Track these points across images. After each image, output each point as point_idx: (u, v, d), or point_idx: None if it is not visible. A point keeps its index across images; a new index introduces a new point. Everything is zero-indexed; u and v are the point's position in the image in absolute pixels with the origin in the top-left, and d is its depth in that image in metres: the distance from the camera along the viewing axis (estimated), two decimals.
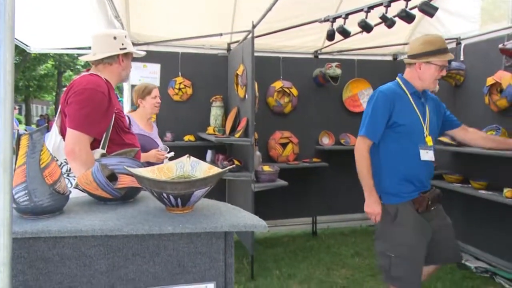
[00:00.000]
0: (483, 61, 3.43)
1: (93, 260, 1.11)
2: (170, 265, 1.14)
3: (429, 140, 2.16)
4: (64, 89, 2.00)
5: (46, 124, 1.26)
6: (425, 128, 2.15)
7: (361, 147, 2.16)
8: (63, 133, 1.90)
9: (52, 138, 1.93)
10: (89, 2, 2.26)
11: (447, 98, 3.81)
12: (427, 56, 2.09)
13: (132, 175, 1.23)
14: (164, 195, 1.17)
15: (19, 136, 1.17)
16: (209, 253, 1.15)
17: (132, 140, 2.05)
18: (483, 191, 3.21)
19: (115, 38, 1.95)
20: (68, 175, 1.91)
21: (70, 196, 1.50)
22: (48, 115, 22.59)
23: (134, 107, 3.10)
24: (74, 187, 1.43)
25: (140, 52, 2.07)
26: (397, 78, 2.25)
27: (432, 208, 2.17)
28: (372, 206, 2.16)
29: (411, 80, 2.18)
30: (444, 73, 2.15)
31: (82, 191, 1.39)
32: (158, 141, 3.09)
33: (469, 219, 3.60)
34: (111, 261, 1.12)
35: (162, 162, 2.62)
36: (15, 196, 1.14)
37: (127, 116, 2.88)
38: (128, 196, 1.38)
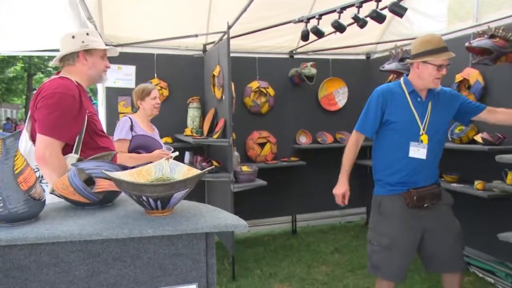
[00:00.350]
0: (452, 58, 3.54)
1: (72, 266, 1.09)
2: (151, 268, 1.14)
3: (424, 139, 2.20)
4: (35, 92, 1.95)
5: (19, 130, 1.23)
6: (421, 126, 2.21)
7: (350, 138, 2.36)
8: (33, 139, 1.85)
9: (22, 144, 1.87)
10: (61, 3, 2.21)
11: None
12: (424, 56, 2.14)
13: (110, 178, 1.22)
14: (144, 198, 1.17)
15: None
16: (190, 254, 1.16)
17: (107, 143, 2.02)
18: (455, 184, 3.33)
19: (73, 37, 1.92)
20: (40, 182, 1.85)
21: (46, 201, 1.48)
22: (16, 119, 21.71)
23: (135, 109, 3.12)
24: (51, 193, 1.40)
25: (105, 46, 1.99)
26: (401, 78, 2.34)
27: (425, 205, 2.20)
28: (338, 187, 2.32)
29: (412, 79, 2.26)
30: (444, 72, 2.17)
31: (59, 196, 1.36)
32: (161, 142, 3.10)
33: None
34: (90, 266, 1.10)
35: None
36: None
37: (129, 118, 2.90)
38: (106, 200, 1.37)
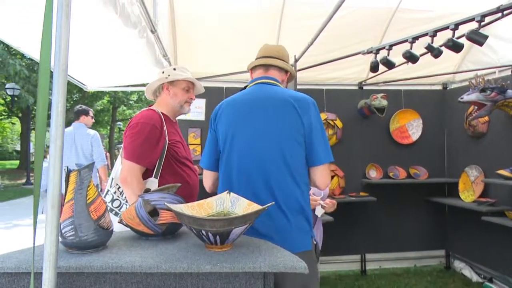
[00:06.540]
0: None
1: None
2: None
3: None
4: (118, 123, 2.19)
5: (93, 162, 1.31)
6: None
7: None
8: None
9: (116, 167, 2.12)
10: (139, 43, 2.41)
11: (505, 127, 3.57)
12: None
13: (172, 211, 1.24)
14: (203, 232, 1.16)
15: (69, 172, 1.22)
16: None
17: (187, 171, 2.11)
18: None
19: (163, 72, 2.14)
20: (126, 201, 2.05)
21: (118, 228, 1.55)
22: None
23: None
24: (118, 222, 1.46)
25: (185, 77, 2.13)
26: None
27: None
28: None
29: None
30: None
31: (126, 226, 1.41)
32: None
33: None
34: None
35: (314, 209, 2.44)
36: (63, 231, 1.17)
37: None
38: (168, 232, 1.39)
